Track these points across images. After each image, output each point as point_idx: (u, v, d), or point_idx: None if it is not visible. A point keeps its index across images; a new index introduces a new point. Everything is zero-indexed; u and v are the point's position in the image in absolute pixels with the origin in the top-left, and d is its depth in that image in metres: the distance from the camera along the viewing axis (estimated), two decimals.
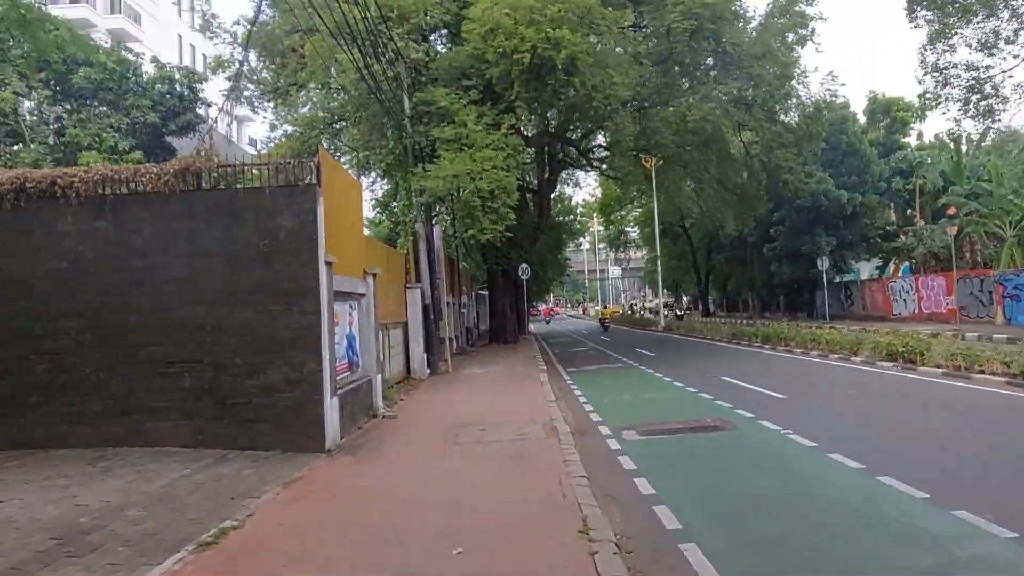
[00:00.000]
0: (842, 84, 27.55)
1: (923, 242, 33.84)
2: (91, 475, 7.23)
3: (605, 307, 79.99)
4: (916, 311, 32.16)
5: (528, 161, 25.73)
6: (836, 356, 17.34)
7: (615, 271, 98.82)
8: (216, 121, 10.28)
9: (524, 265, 32.03)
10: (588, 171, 42.35)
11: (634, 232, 67.44)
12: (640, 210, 60.09)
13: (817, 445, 7.90)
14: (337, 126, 20.04)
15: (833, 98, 25.87)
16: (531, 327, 47.73)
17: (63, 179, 8.41)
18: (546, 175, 32.60)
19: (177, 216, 8.53)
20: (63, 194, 8.44)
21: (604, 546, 4.99)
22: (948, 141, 35.84)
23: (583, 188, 56.23)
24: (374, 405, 11.56)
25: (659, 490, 6.49)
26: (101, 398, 8.52)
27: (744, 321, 38.38)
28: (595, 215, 68.08)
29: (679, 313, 35.07)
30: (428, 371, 17.75)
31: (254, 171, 8.80)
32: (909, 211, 41.45)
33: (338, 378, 9.60)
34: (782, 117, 26.62)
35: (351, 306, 11.01)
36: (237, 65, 20.02)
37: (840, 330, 19.33)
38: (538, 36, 16.13)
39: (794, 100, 25.89)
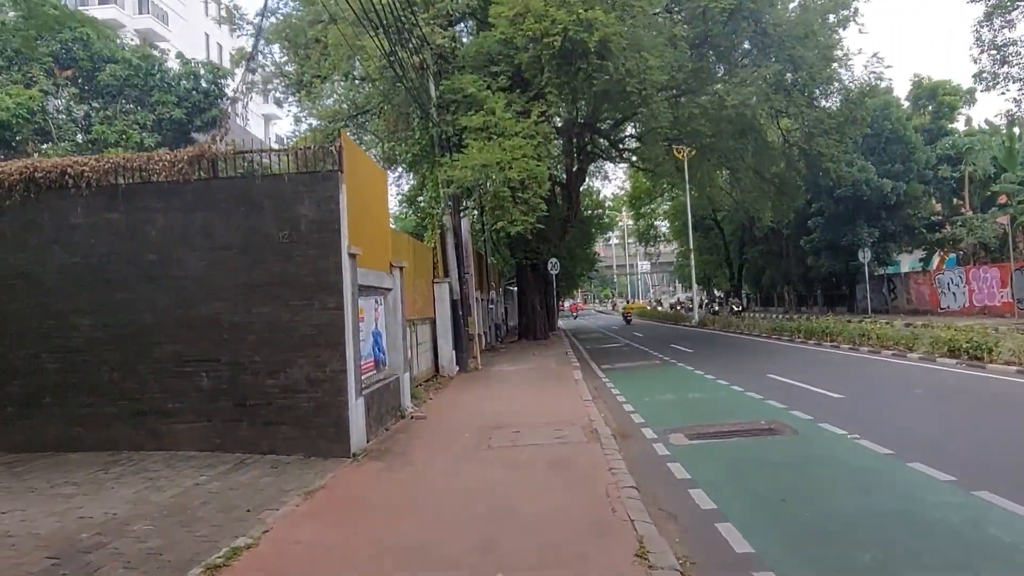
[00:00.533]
0: (888, 66, 25.90)
1: (973, 232, 32.22)
2: (100, 482, 6.74)
3: (628, 303, 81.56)
4: (966, 305, 30.64)
5: (557, 153, 24.91)
6: (889, 352, 16.29)
7: (644, 266, 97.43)
8: (231, 104, 9.63)
9: (553, 259, 31.32)
10: (618, 163, 41.46)
11: (664, 226, 66.23)
12: (670, 203, 58.94)
13: (893, 452, 7.07)
14: (362, 118, 19.52)
15: (878, 81, 24.56)
16: (560, 323, 46.96)
17: (73, 168, 7.95)
18: (575, 167, 31.82)
19: (192, 206, 8.02)
20: (74, 184, 7.99)
21: (667, 574, 4.30)
22: (1000, 126, 34.04)
23: (612, 181, 55.01)
24: (402, 405, 10.99)
25: (720, 505, 5.76)
26: (115, 399, 8.06)
27: (781, 316, 37.12)
28: (624, 209, 66.94)
29: (736, 308, 33.09)
30: (457, 368, 17.17)
31: (273, 158, 8.24)
32: (955, 200, 39.65)
33: (364, 377, 9.03)
34: (823, 102, 25.43)
35: (377, 301, 10.44)
36: (255, 52, 19.58)
37: (893, 325, 18.22)
38: (569, 18, 15.36)
39: (836, 84, 24.65)
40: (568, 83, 16.56)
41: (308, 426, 7.84)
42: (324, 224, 7.90)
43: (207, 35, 53.93)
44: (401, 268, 11.32)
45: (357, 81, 20.55)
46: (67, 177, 7.93)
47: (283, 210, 7.93)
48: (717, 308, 36.03)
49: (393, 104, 17.90)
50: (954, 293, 31.91)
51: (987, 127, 36.70)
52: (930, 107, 36.35)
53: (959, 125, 37.17)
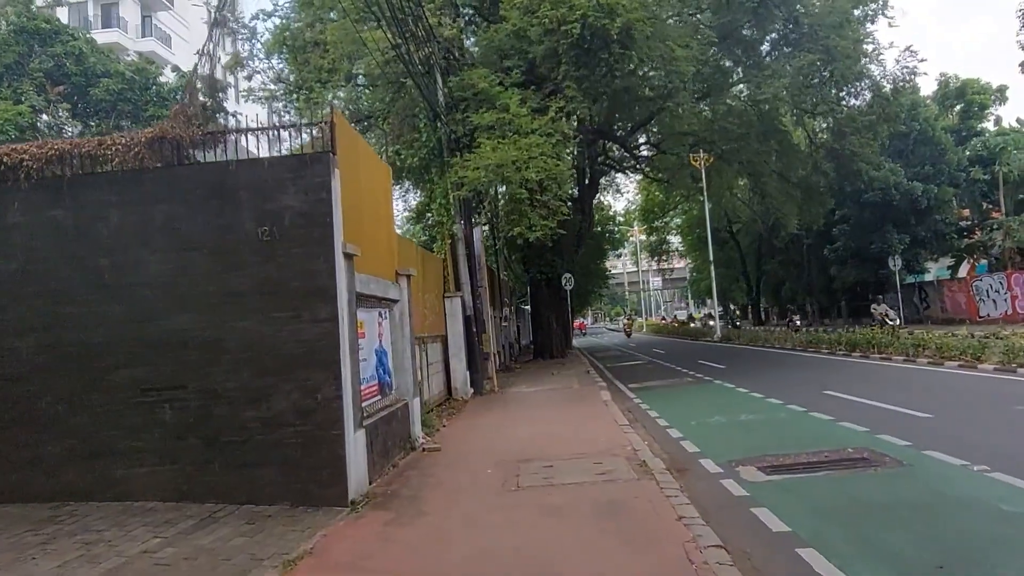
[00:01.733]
0: (922, 59, 24.21)
1: (1012, 235, 30.47)
2: (21, 549, 5.22)
3: (628, 319, 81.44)
4: (1008, 312, 28.82)
5: (576, 153, 23.48)
6: (955, 364, 14.59)
7: (655, 282, 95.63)
8: (197, 68, 8.27)
9: (567, 274, 29.82)
10: (631, 174, 40.08)
11: (676, 240, 64.76)
12: (683, 216, 57.53)
13: None
14: (365, 123, 18.22)
15: (912, 75, 23.06)
16: (574, 341, 45.28)
17: (9, 157, 6.56)
18: (587, 180, 30.52)
19: (153, 198, 6.58)
20: (11, 176, 6.58)
21: None
22: None
23: (623, 194, 53.47)
24: (411, 435, 9.43)
25: None
26: (60, 437, 6.57)
27: (806, 329, 35.30)
28: (636, 223, 65.56)
29: (798, 323, 29.69)
30: (472, 391, 15.60)
31: (252, 142, 6.82)
32: (985, 204, 37.89)
33: (365, 404, 7.51)
34: (853, 101, 23.98)
35: (380, 314, 8.95)
36: (251, 55, 18.39)
37: (959, 333, 16.52)
38: (589, 3, 14.02)
39: (867, 81, 23.20)
40: (588, 76, 15.16)
41: (296, 468, 6.30)
42: (314, 217, 6.43)
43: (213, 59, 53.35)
44: (409, 277, 9.85)
45: (359, 86, 19.31)
46: (2, 167, 6.53)
47: (264, 201, 6.49)
48: (799, 325, 31.58)
49: (397, 108, 16.58)
50: (994, 300, 30.10)
51: (1020, 126, 35.09)
52: (958, 107, 34.82)
53: (989, 125, 35.60)
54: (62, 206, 6.62)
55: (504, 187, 13.72)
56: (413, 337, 9.91)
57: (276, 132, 6.66)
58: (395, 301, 9.43)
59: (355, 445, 6.51)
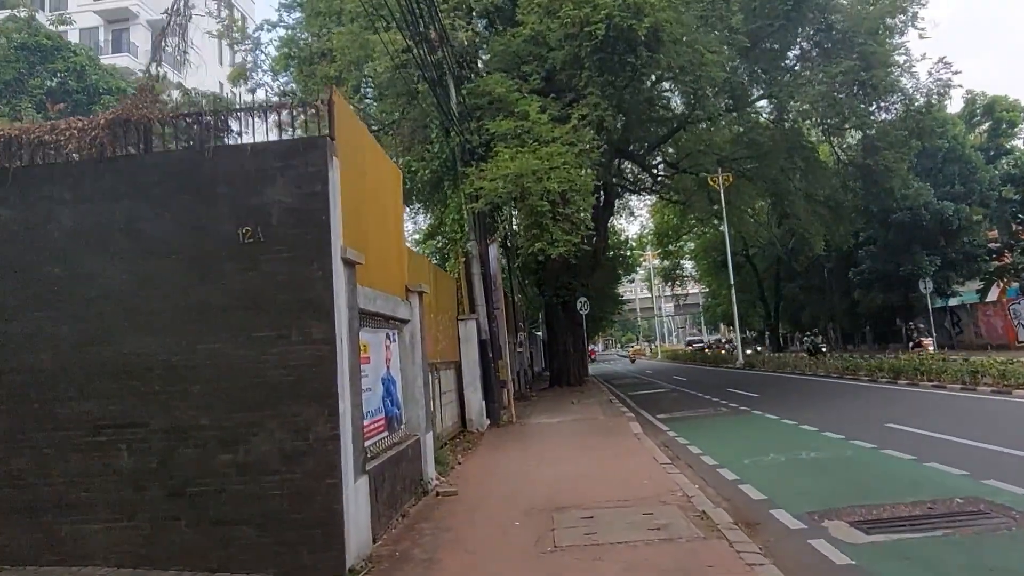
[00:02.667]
0: (956, 72, 23.03)
1: None
2: None
3: (634, 346, 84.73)
4: None
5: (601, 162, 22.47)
6: None
7: (667, 308, 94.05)
8: (169, 24, 7.13)
9: (583, 298, 28.54)
10: (646, 195, 39.02)
11: (690, 265, 63.64)
12: (698, 240, 56.49)
13: None
14: (373, 135, 17.22)
15: (946, 88, 21.93)
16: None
17: None
18: (602, 201, 29.48)
19: (113, 194, 5.44)
20: None
21: None
22: None
23: (637, 217, 52.37)
24: (424, 476, 8.14)
25: None
26: None
27: (831, 355, 33.71)
28: (649, 248, 64.52)
29: (823, 348, 27.11)
30: (488, 422, 14.28)
31: (236, 126, 5.70)
32: (1015, 226, 36.45)
33: (369, 443, 6.26)
34: (883, 115, 22.86)
35: (388, 336, 7.74)
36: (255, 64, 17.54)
37: (1021, 360, 15.06)
38: (615, 2, 13.02)
39: (899, 94, 22.10)
40: (612, 82, 14.11)
41: (281, 526, 5.04)
42: (307, 215, 5.27)
43: (221, 83, 53.30)
44: (421, 295, 8.65)
45: (367, 99, 18.40)
46: None
47: (247, 196, 5.34)
48: (819, 346, 29.20)
49: (408, 117, 15.58)
50: None
51: None
52: (986, 124, 33.66)
53: (1019, 143, 34.38)
54: (6, 203, 5.49)
55: (522, 201, 12.52)
56: (426, 363, 8.67)
57: (264, 113, 5.52)
58: (405, 321, 8.22)
59: (355, 496, 5.24)
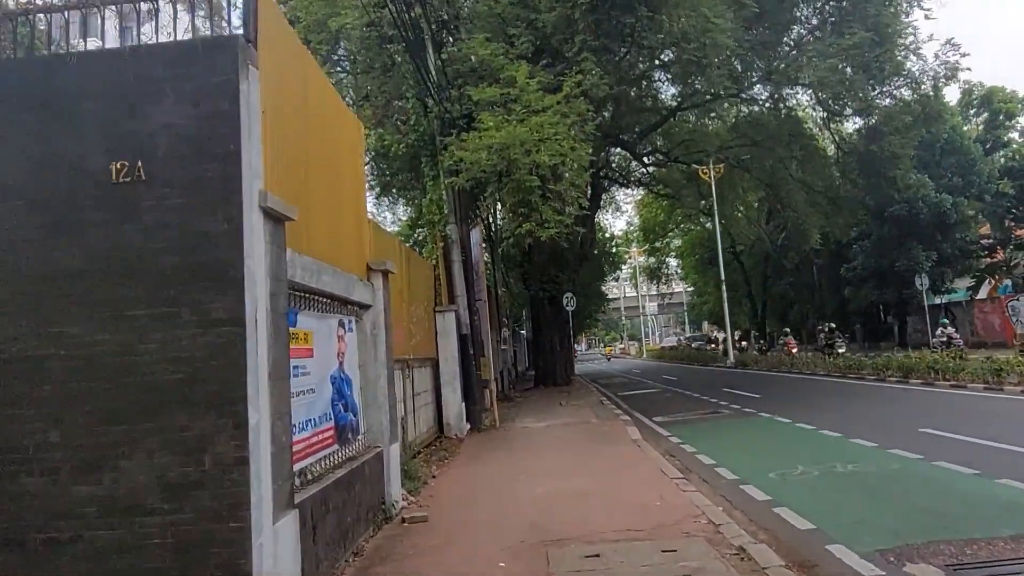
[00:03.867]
0: (964, 54, 21.80)
1: None
2: None
3: (607, 346, 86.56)
4: None
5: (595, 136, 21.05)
6: None
7: (651, 307, 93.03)
8: None
9: (569, 294, 27.09)
10: (633, 189, 37.75)
11: (675, 263, 62.74)
12: (684, 238, 55.60)
13: None
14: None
15: (954, 71, 20.76)
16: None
17: None
18: (589, 192, 28.13)
19: None
20: None
21: None
22: None
23: (623, 212, 51.21)
24: (387, 498, 6.60)
25: None
26: None
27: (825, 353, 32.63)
28: (635, 244, 63.54)
29: (840, 349, 24.48)
30: (468, 426, 12.76)
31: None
32: (1008, 221, 35.64)
33: (307, 462, 4.73)
34: (886, 101, 21.68)
35: (343, 325, 6.18)
36: None
37: None
38: None
39: (903, 78, 20.93)
40: (608, 47, 12.64)
41: None
42: (208, 144, 3.72)
43: None
44: (386, 274, 7.10)
45: (340, 71, 16.77)
46: None
47: (122, 119, 3.77)
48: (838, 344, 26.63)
49: (383, 91, 14.00)
50: None
51: None
52: (983, 116, 32.77)
53: (1015, 135, 33.53)
54: None
55: (509, 176, 11.00)
56: (391, 358, 7.12)
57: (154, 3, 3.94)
58: (366, 307, 6.67)
59: (275, 543, 3.69)
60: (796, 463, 8.20)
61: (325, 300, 5.58)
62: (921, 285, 29.46)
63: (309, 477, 4.83)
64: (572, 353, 37.51)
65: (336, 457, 5.59)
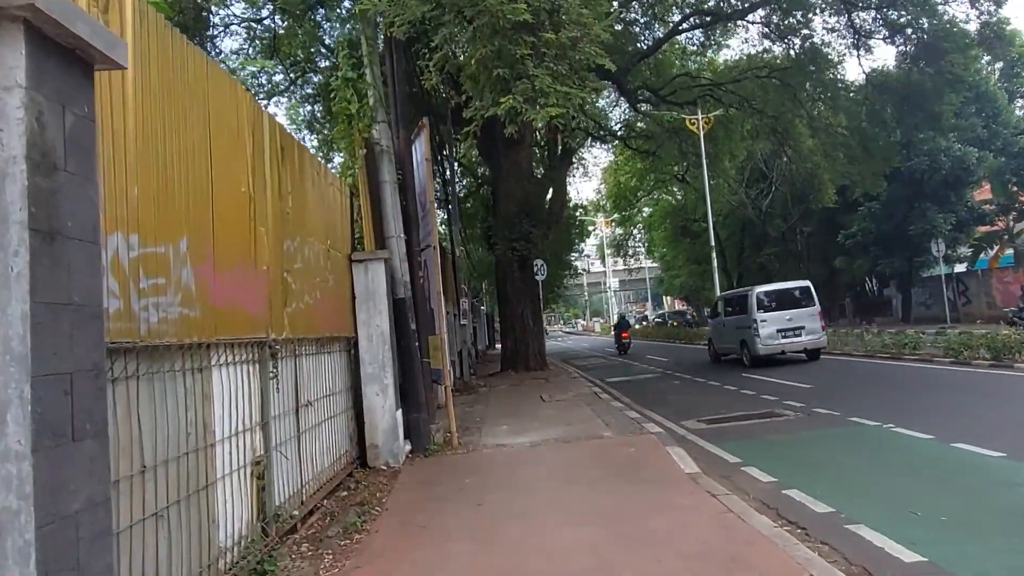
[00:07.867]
0: None
1: None
2: None
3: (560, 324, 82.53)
4: None
5: None
6: None
7: (613, 283, 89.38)
8: None
9: (540, 261, 22.40)
10: (608, 143, 33.16)
11: (641, 235, 59.03)
12: (655, 207, 51.71)
13: None
14: None
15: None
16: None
17: None
18: (559, 149, 23.59)
19: None
20: None
21: None
22: None
23: (591, 177, 46.73)
24: None
25: None
26: None
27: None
28: (600, 215, 59.39)
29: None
30: (408, 448, 7.98)
31: None
32: (1011, 186, 32.38)
33: None
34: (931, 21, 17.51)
35: None
36: None
37: None
38: None
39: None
40: None
41: None
42: None
43: None
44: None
45: None
46: None
47: None
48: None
49: None
50: None
51: None
52: (998, 64, 29.18)
53: None
54: None
55: (477, 10, 6.09)
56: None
57: None
58: None
59: None
60: (1006, 526, 3.72)
61: None
62: (938, 251, 25.94)
63: None
64: (543, 330, 33.06)
65: None
